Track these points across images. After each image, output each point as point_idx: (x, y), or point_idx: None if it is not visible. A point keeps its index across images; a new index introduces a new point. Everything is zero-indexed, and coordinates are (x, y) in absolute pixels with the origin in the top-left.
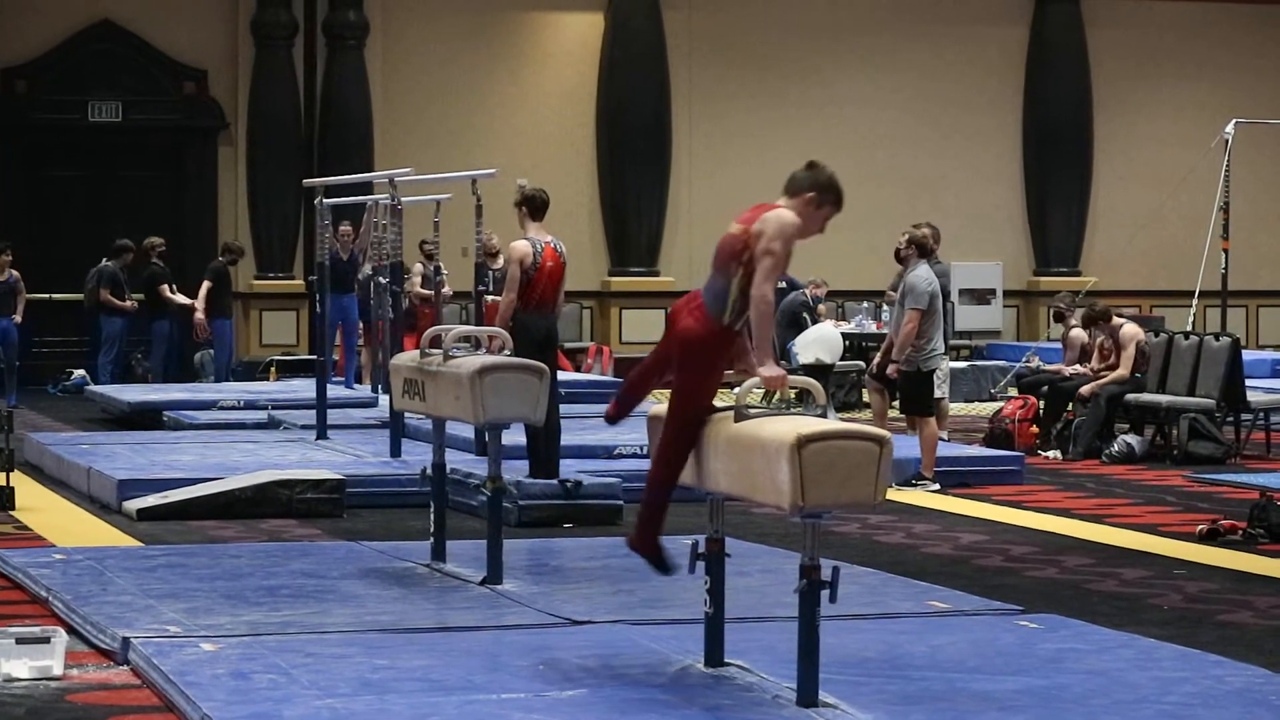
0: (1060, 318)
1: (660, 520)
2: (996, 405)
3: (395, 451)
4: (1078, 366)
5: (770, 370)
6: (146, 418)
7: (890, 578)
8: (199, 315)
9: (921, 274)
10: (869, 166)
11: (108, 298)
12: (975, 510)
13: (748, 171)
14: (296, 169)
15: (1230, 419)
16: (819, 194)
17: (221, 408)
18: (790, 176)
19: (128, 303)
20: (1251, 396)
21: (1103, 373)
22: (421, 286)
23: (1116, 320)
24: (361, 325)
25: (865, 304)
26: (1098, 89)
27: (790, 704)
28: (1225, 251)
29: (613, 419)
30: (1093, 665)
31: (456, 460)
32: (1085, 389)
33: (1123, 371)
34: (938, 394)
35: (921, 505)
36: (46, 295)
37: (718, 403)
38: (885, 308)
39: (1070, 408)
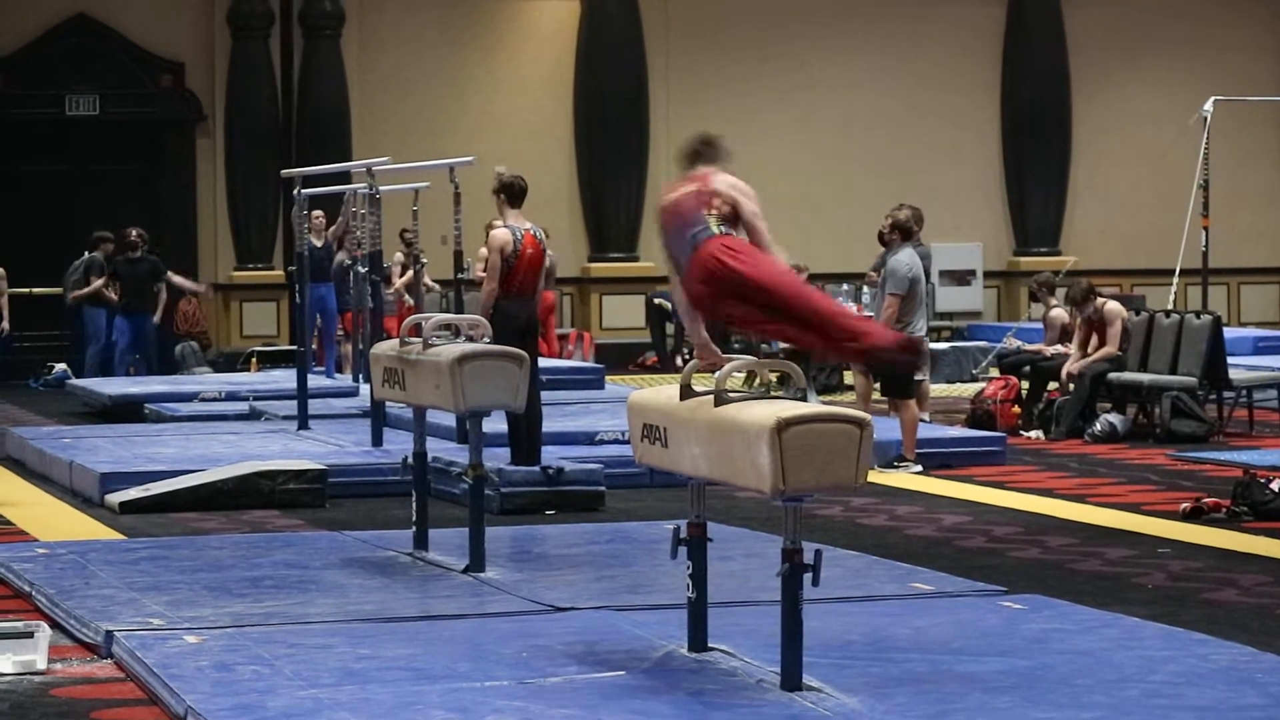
0: (1051, 289)
1: None
2: (978, 386)
3: (377, 441)
4: (1059, 346)
5: None
6: (128, 411)
7: (873, 560)
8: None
9: (903, 258)
10: (847, 148)
11: (100, 288)
12: (958, 491)
13: None
14: (274, 160)
15: (1212, 397)
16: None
17: (203, 400)
18: (694, 152)
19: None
20: (1233, 374)
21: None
22: (400, 275)
23: (1099, 300)
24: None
25: (845, 286)
26: (1076, 68)
27: (774, 688)
28: (1205, 229)
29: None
30: (1077, 645)
31: (438, 449)
32: (1073, 366)
33: (1110, 349)
34: (918, 376)
35: (904, 487)
36: (26, 290)
37: (697, 386)
38: (866, 289)
39: (1052, 387)
